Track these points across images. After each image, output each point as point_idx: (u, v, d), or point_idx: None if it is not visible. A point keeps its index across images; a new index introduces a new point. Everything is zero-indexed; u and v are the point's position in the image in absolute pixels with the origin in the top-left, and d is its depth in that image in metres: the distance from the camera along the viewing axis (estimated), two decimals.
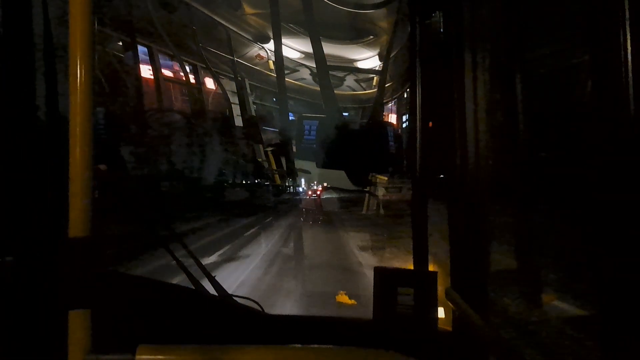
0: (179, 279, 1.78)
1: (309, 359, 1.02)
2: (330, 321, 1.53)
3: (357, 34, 18.65)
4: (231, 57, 19.82)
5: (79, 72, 0.95)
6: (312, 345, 1.02)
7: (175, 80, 19.20)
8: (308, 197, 26.59)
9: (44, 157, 1.39)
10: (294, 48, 19.08)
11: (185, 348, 1.00)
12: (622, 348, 0.86)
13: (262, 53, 20.77)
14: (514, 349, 1.07)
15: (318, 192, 25.85)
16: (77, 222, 0.94)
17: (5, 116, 1.38)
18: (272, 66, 20.76)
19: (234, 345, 1.01)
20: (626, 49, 0.83)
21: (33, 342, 1.28)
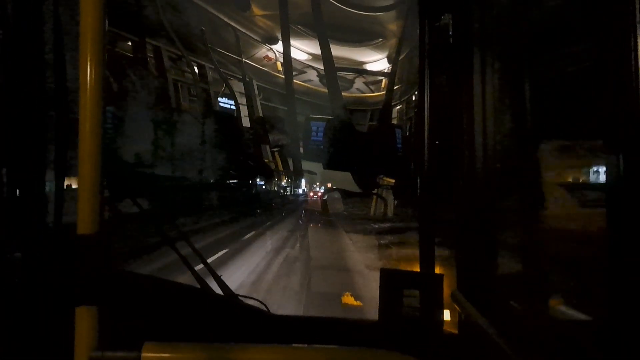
0: (185, 278, 1.80)
1: (313, 359, 1.02)
2: (336, 322, 1.53)
3: (365, 36, 18.63)
4: (239, 58, 19.85)
5: (89, 71, 0.95)
6: (316, 345, 1.02)
7: (183, 81, 19.23)
8: (310, 198, 27.24)
9: (54, 155, 1.40)
10: (302, 50, 19.07)
11: (190, 346, 1.00)
12: (623, 348, 0.86)
13: (270, 54, 20.76)
14: (521, 352, 1.07)
15: (319, 194, 26.66)
16: (86, 219, 0.95)
17: (14, 114, 1.39)
18: (280, 67, 20.76)
19: (238, 344, 1.01)
20: (637, 51, 0.82)
21: (39, 337, 1.29)
